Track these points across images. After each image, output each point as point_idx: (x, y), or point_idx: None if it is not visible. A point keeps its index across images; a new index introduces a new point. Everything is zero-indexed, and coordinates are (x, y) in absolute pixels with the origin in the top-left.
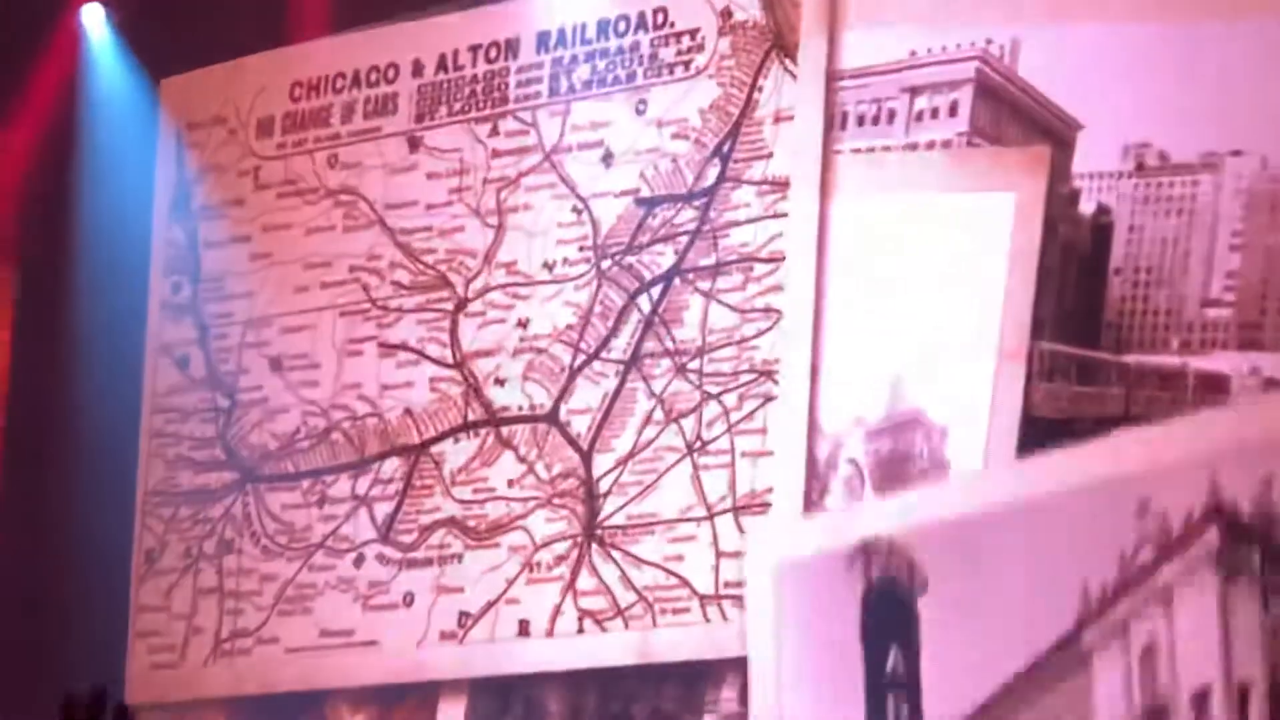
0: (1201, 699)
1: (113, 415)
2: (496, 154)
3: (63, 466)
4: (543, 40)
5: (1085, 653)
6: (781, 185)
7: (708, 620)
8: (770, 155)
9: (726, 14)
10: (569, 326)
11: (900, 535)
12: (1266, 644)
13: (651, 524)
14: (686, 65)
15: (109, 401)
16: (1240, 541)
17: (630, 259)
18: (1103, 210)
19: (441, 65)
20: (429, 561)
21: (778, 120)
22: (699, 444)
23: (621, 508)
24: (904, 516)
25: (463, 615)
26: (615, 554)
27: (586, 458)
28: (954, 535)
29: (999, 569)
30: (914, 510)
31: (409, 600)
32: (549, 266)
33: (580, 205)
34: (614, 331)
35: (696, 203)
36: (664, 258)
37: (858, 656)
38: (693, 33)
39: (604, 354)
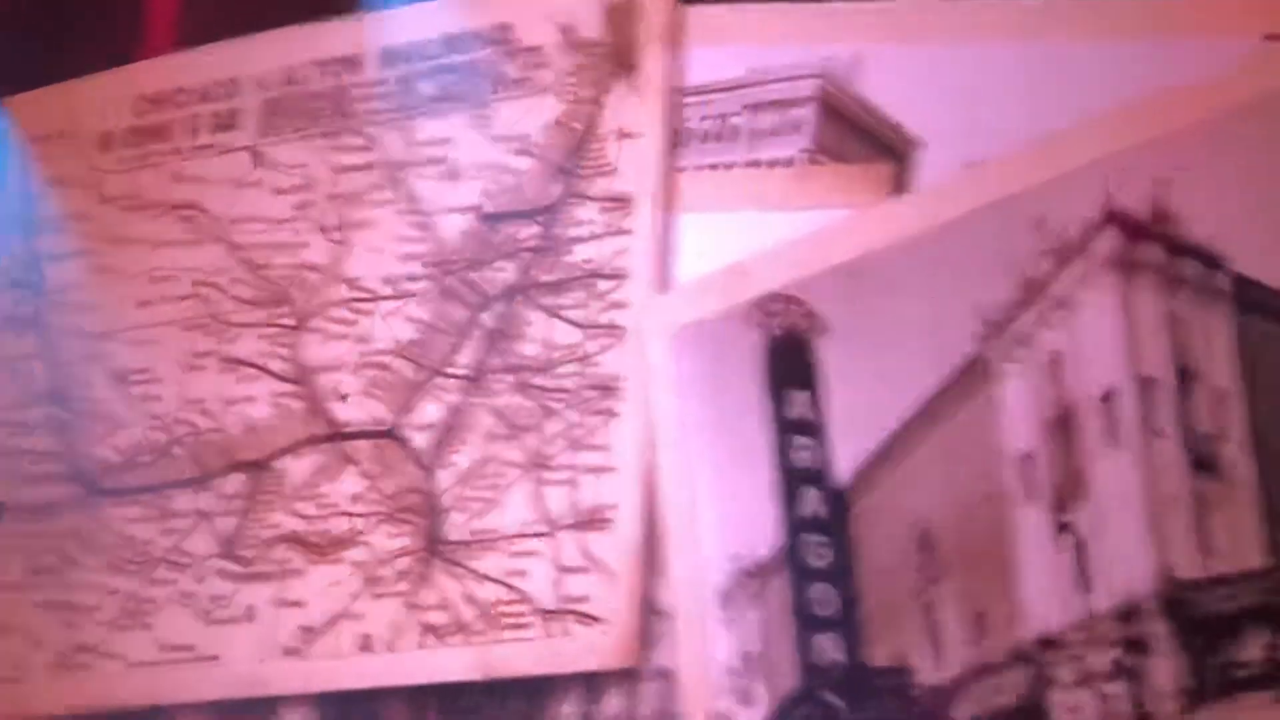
0: (1109, 398)
1: None
2: (340, 169)
3: None
4: (387, 56)
5: (990, 369)
6: (624, 202)
7: (549, 635)
8: (613, 172)
9: (570, 31)
10: (412, 342)
11: (795, 285)
12: (1170, 337)
13: (494, 540)
14: (530, 82)
15: None
16: (1138, 240)
17: (473, 275)
18: None
19: (285, 80)
20: (271, 576)
21: (621, 137)
22: (541, 460)
23: (464, 523)
24: (798, 266)
25: (305, 630)
26: (457, 569)
27: (429, 473)
28: (849, 276)
29: (898, 303)
30: (807, 258)
31: (251, 615)
32: (392, 282)
33: (423, 221)
34: (457, 347)
35: (540, 219)
36: (507, 274)
37: (763, 407)
38: (536, 49)
39: (447, 370)
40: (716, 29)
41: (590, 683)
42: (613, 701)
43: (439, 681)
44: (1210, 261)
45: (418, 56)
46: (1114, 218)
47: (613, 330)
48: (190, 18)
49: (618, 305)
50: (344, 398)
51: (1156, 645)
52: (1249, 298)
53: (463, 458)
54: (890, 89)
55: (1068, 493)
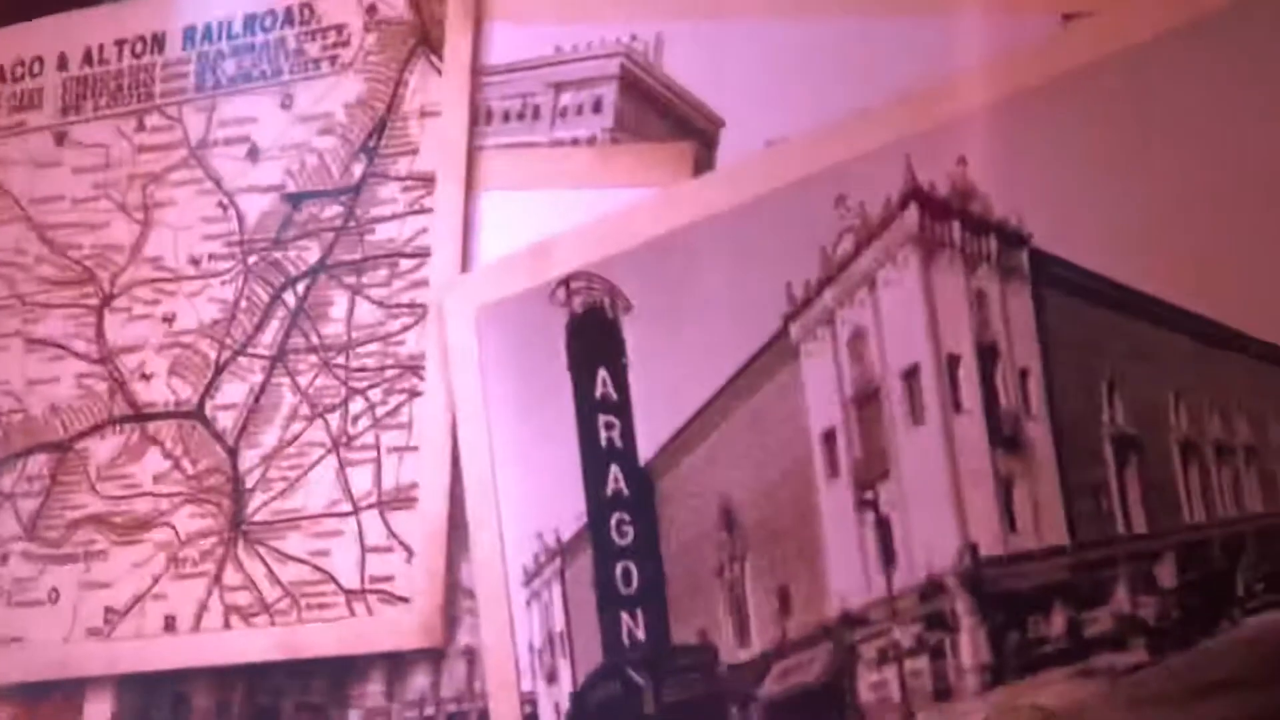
0: (911, 375)
1: None
2: (143, 149)
3: None
4: (189, 35)
5: (793, 346)
6: (427, 181)
7: (353, 615)
8: (416, 151)
9: (372, 9)
10: (215, 322)
11: (598, 264)
12: (971, 314)
13: (297, 520)
14: (333, 61)
15: None
16: (938, 218)
17: (276, 254)
18: None
19: (87, 59)
20: (75, 558)
21: (423, 116)
22: (345, 440)
23: (267, 503)
24: (601, 245)
25: (109, 611)
26: (261, 550)
27: (233, 453)
28: (653, 255)
29: (701, 282)
30: (610, 237)
31: (54, 597)
32: (195, 262)
33: (226, 201)
34: (260, 327)
35: (342, 198)
36: (310, 253)
37: (566, 385)
38: (339, 28)
39: (250, 349)
40: (519, 8)
41: (395, 662)
42: (418, 681)
43: (244, 662)
44: (1010, 239)
45: (220, 36)
46: (915, 195)
47: (415, 309)
48: None
49: (420, 284)
50: (148, 378)
51: (959, 621)
52: (1049, 274)
53: (266, 437)
54: (692, 68)
55: (871, 470)
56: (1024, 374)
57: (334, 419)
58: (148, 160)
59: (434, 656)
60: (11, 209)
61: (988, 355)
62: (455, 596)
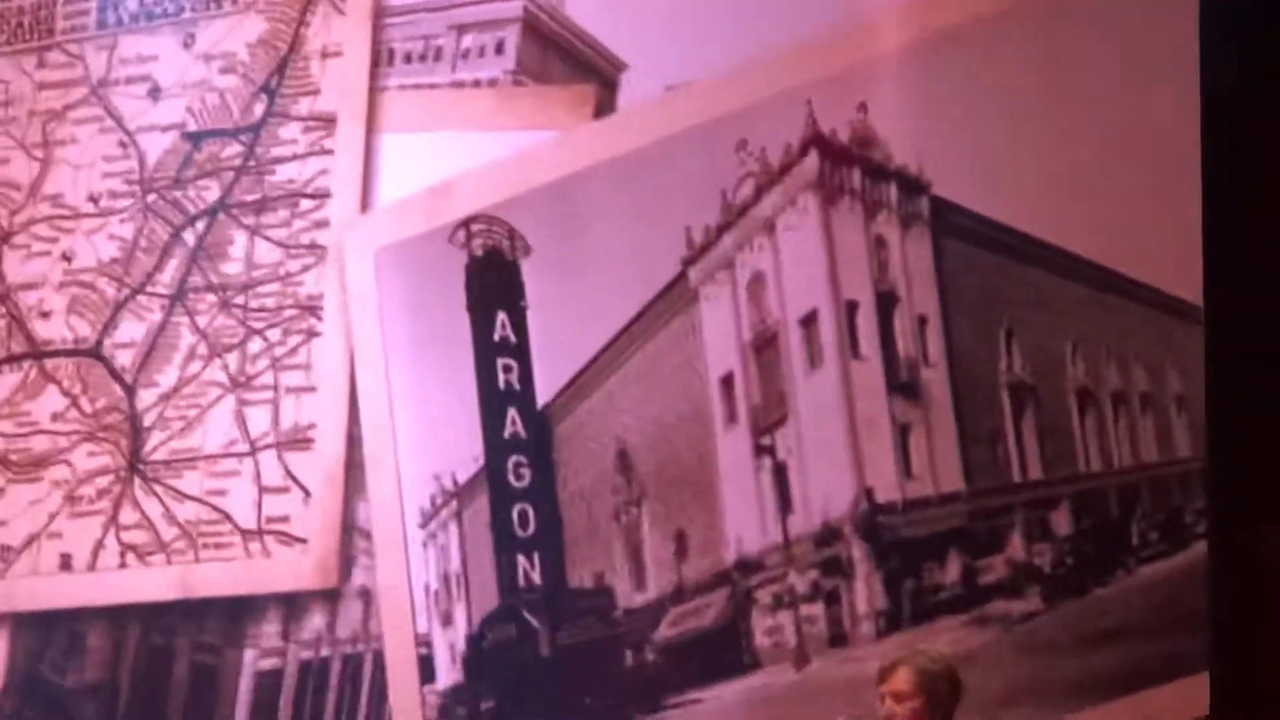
0: (810, 321)
1: None
2: (43, 86)
3: None
4: None
5: (692, 291)
6: (328, 121)
7: (250, 555)
8: (317, 91)
9: None
10: (114, 260)
11: (499, 206)
12: (870, 261)
13: (195, 459)
14: (235, 0)
15: None
16: (839, 164)
17: (176, 193)
18: None
19: None
20: None
21: (325, 56)
22: (243, 380)
23: (165, 442)
24: (501, 187)
25: (4, 549)
26: (158, 489)
27: (130, 392)
28: (553, 198)
29: (601, 225)
30: (511, 180)
31: None
32: (95, 200)
33: (127, 139)
34: (159, 266)
35: (243, 138)
36: (210, 192)
37: (465, 328)
38: None
39: (149, 288)
40: None
41: (291, 603)
42: (313, 621)
43: (140, 601)
44: (911, 186)
45: None
46: (816, 142)
47: (315, 250)
48: None
49: (320, 225)
50: (46, 315)
51: (854, 568)
52: (949, 222)
53: (165, 377)
54: (594, 12)
55: (768, 415)
56: (923, 321)
57: (232, 359)
58: (48, 98)
59: (330, 597)
60: None
61: (887, 302)
62: (351, 538)
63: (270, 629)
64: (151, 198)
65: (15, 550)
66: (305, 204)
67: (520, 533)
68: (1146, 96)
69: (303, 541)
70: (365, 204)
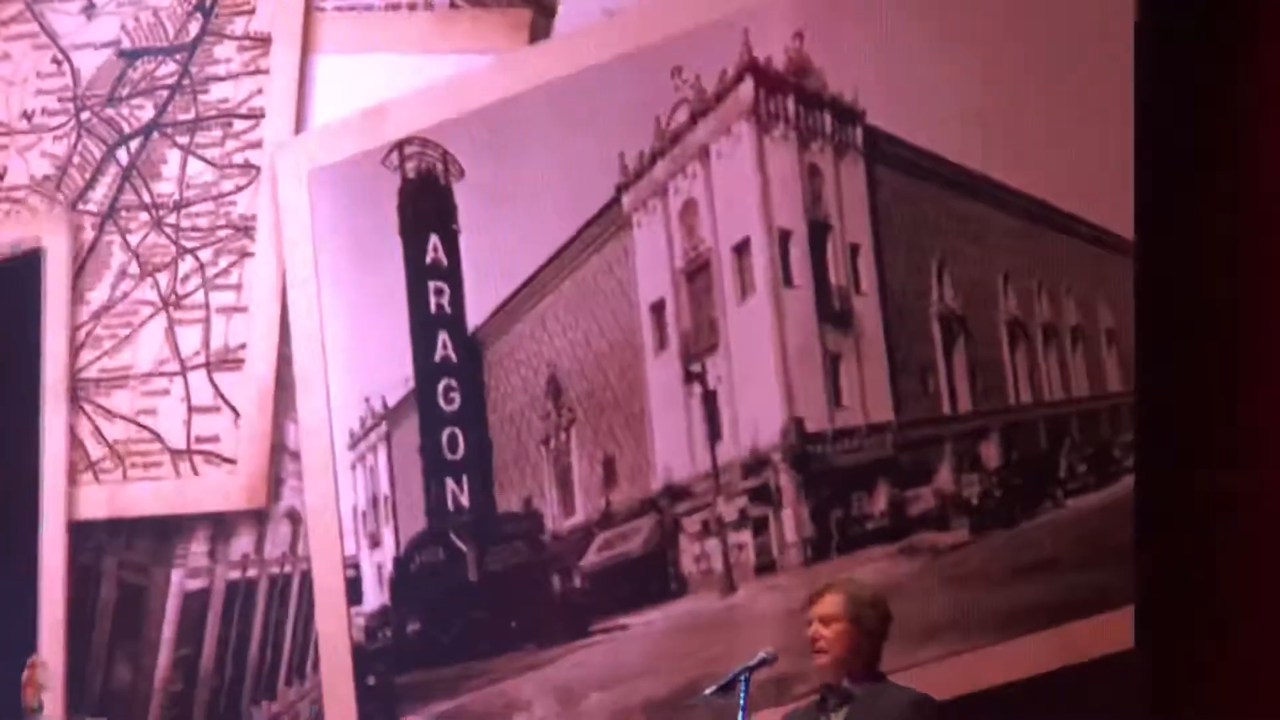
0: (742, 249)
1: None
2: None
3: None
4: None
5: (625, 216)
6: (264, 41)
7: (179, 475)
8: (253, 11)
9: None
10: (46, 177)
11: (433, 129)
12: (804, 189)
13: (125, 378)
14: None
15: None
16: (773, 92)
17: (110, 111)
18: None
19: None
20: None
21: None
22: (175, 299)
23: (95, 361)
24: (435, 111)
25: None
26: (88, 407)
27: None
28: (487, 122)
29: (535, 150)
30: (445, 103)
31: None
32: (28, 116)
33: (61, 56)
34: (91, 183)
35: (178, 57)
36: (144, 111)
37: (397, 250)
38: None
39: (81, 205)
40: None
41: (219, 523)
42: (241, 542)
43: (70, 519)
44: (845, 115)
45: None
46: (751, 69)
47: (248, 170)
48: None
49: (254, 145)
50: None
51: (783, 496)
52: (882, 151)
53: (96, 294)
54: None
55: (699, 342)
56: (855, 250)
57: (164, 278)
58: None
59: (258, 518)
60: None
61: (819, 230)
62: (281, 459)
63: (198, 549)
64: (85, 115)
65: None
66: (239, 124)
67: (449, 456)
68: (1080, 27)
69: (231, 462)
70: (299, 125)
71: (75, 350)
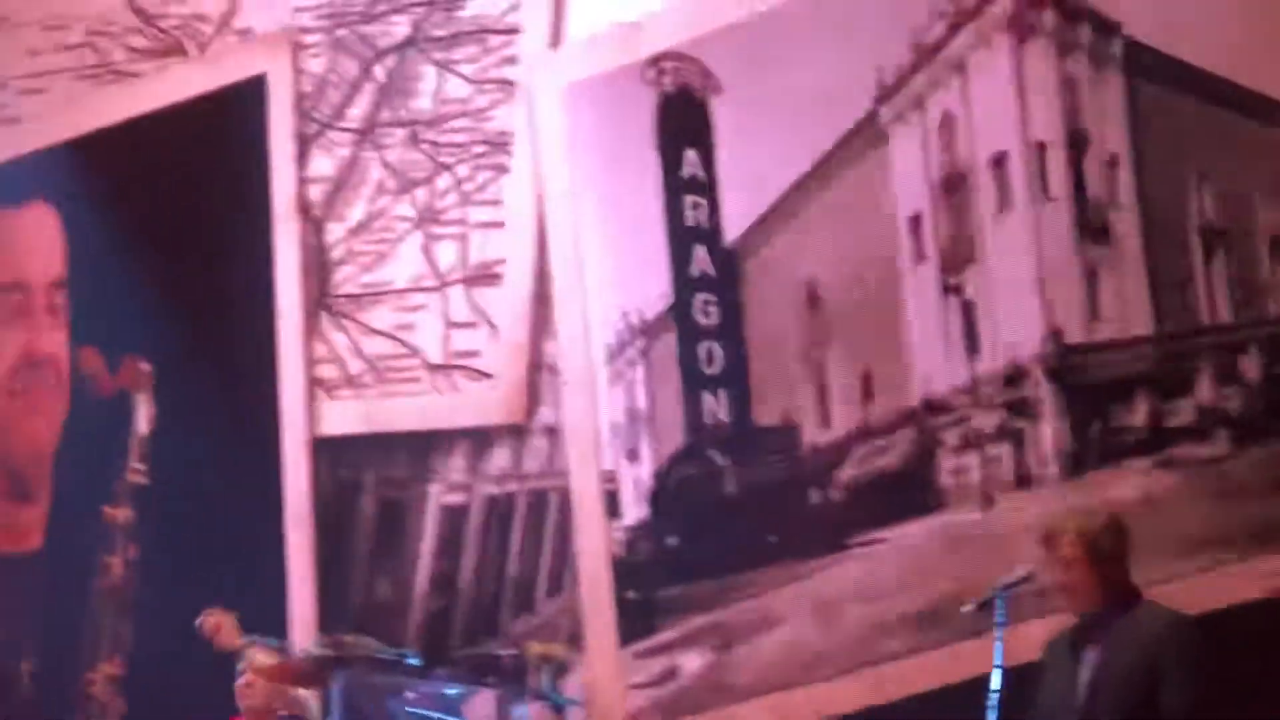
0: (1000, 162)
1: None
2: None
3: None
4: None
5: (882, 130)
6: None
7: (437, 390)
8: None
9: None
10: (303, 95)
11: (690, 43)
12: (1062, 102)
13: (383, 293)
14: None
15: None
16: (1032, 4)
17: (366, 28)
18: None
19: None
20: None
21: None
22: (431, 215)
23: (353, 277)
24: (692, 24)
25: None
26: (346, 323)
27: (319, 226)
28: (745, 36)
29: (792, 63)
30: (702, 16)
31: None
32: (286, 34)
33: None
34: (348, 101)
35: None
36: (400, 28)
37: (654, 165)
38: None
39: (338, 124)
40: None
41: (477, 438)
42: (499, 457)
43: (326, 435)
44: (1104, 27)
45: None
46: None
47: (504, 86)
48: None
49: (510, 61)
50: None
51: (1042, 409)
52: (1141, 64)
53: (353, 211)
54: None
55: (957, 255)
56: (1113, 163)
57: (421, 194)
58: None
59: (516, 433)
60: None
61: (1077, 143)
62: (538, 374)
63: (457, 463)
64: (342, 32)
65: None
66: (495, 40)
67: (707, 370)
68: None
69: (490, 377)
70: (556, 40)
71: (321, 236)
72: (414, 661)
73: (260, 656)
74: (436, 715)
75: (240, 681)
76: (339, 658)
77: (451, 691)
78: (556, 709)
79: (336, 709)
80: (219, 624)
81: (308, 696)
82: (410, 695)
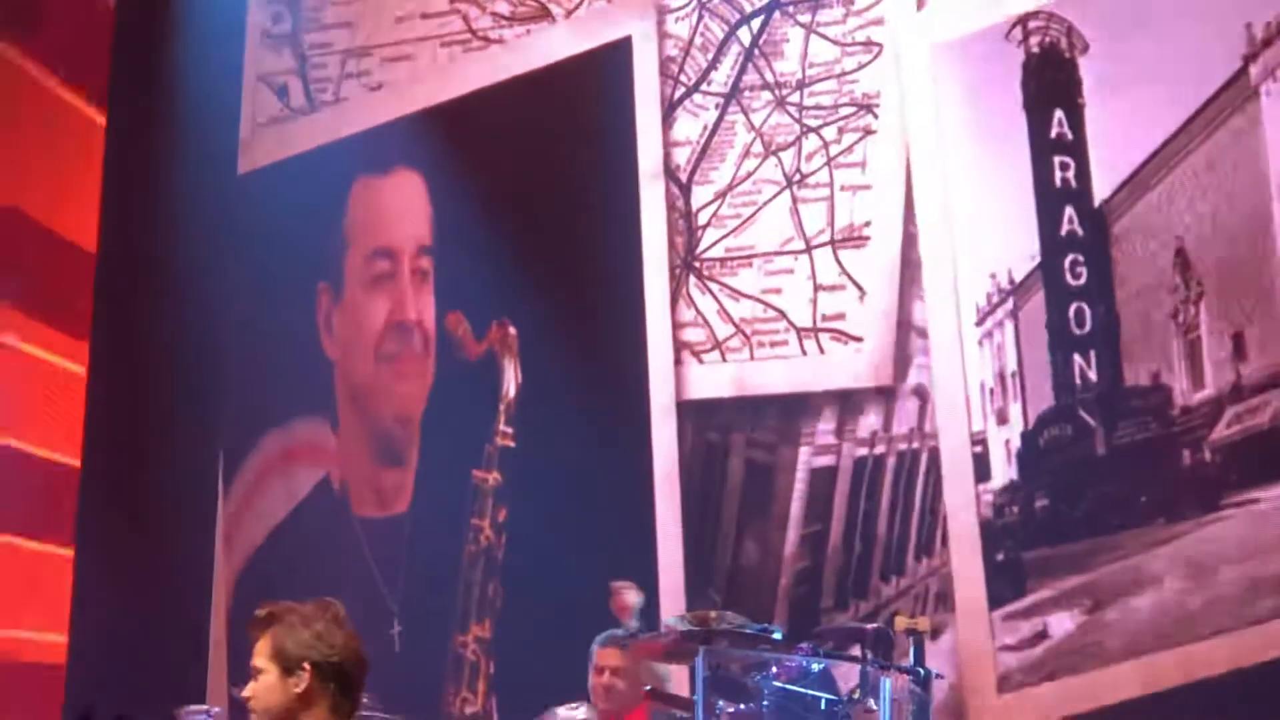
0: None
1: None
2: None
3: None
4: None
5: (1253, 88)
6: None
7: (804, 353)
8: None
9: None
10: (668, 59)
11: (1056, 2)
12: None
13: (749, 256)
14: None
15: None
16: None
17: None
18: None
19: None
20: None
21: None
22: (798, 177)
23: (719, 240)
24: None
25: None
26: (713, 286)
27: (685, 190)
28: None
29: (1161, 22)
30: None
31: None
32: None
33: None
34: (714, 64)
35: None
36: None
37: (1021, 125)
38: None
39: (703, 87)
40: None
41: (846, 400)
42: (869, 419)
43: (694, 398)
44: None
45: None
46: None
47: (870, 47)
48: None
49: (875, 22)
50: None
51: None
52: None
53: (719, 174)
54: None
55: None
56: None
57: (787, 156)
58: None
59: (885, 395)
60: None
61: None
62: (907, 336)
63: (825, 426)
64: None
65: None
66: (861, 1)
67: (1076, 331)
68: None
69: (858, 340)
70: (922, 1)
71: (687, 199)
72: (777, 636)
73: (609, 657)
74: (800, 689)
75: (600, 680)
76: (704, 632)
77: (815, 665)
78: (922, 682)
79: (700, 684)
80: (625, 604)
81: (672, 672)
82: (774, 670)
